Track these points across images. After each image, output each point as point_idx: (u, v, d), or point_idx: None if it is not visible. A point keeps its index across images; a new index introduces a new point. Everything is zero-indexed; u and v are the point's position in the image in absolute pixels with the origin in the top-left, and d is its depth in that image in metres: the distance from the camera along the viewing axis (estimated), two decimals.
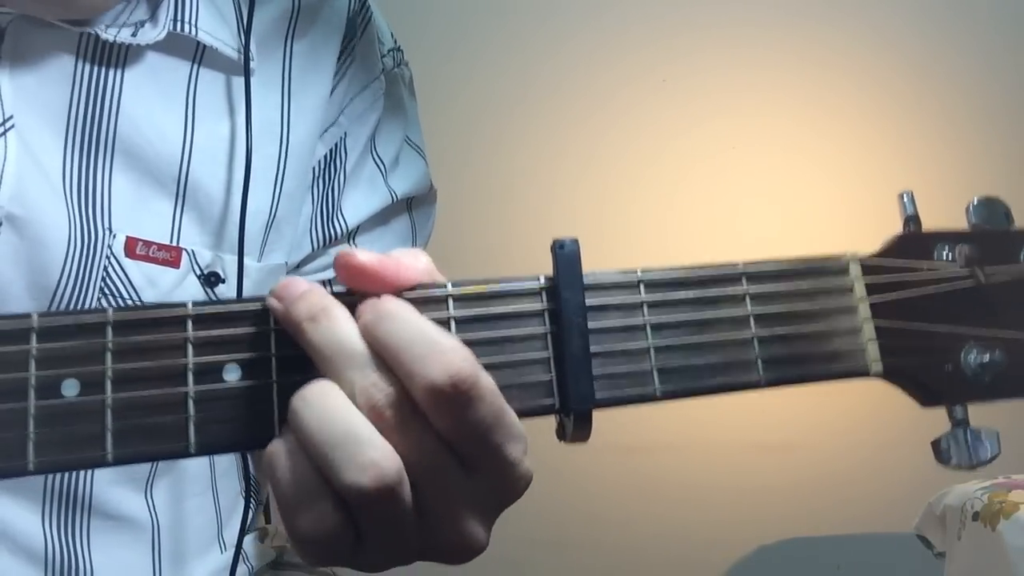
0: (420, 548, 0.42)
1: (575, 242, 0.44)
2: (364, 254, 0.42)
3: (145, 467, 0.67)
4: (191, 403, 0.41)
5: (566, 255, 0.44)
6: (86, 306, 0.62)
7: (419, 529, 0.41)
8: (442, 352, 0.39)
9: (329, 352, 0.40)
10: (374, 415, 0.39)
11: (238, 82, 0.68)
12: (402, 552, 0.42)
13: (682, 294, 0.46)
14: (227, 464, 0.75)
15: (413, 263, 0.43)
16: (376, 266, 0.42)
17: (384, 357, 0.40)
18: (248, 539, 0.75)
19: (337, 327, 0.41)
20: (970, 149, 1.85)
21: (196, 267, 0.66)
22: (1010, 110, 1.86)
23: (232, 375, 0.41)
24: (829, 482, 1.83)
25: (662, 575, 1.83)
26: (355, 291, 0.43)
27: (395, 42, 0.80)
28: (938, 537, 1.38)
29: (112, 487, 0.66)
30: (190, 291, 0.66)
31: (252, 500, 0.75)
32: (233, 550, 0.73)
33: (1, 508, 0.62)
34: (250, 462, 0.77)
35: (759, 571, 1.85)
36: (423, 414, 0.40)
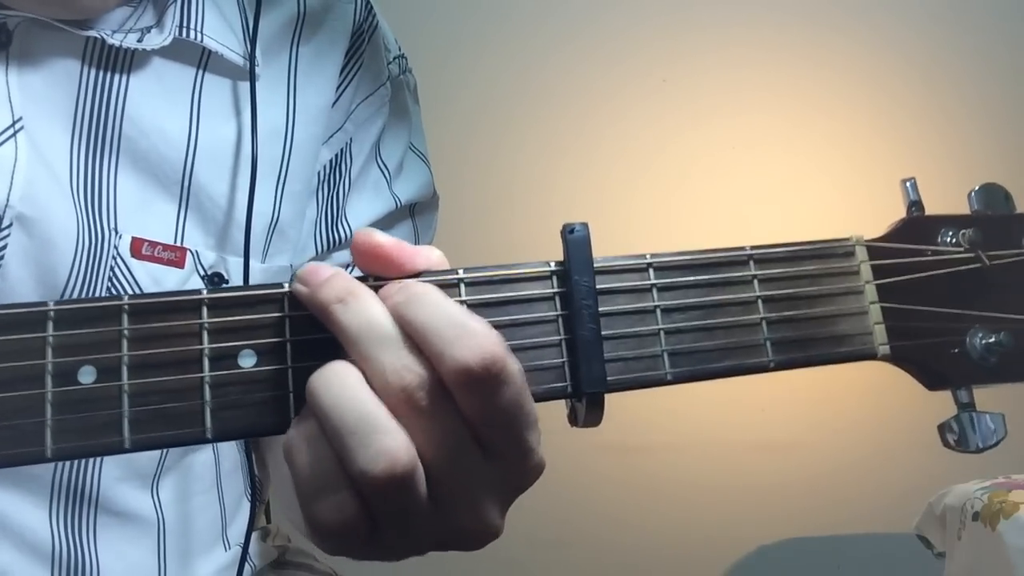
0: (436, 536, 0.42)
1: (585, 226, 0.44)
2: (383, 235, 0.43)
3: (152, 464, 0.68)
4: (207, 388, 0.41)
5: (576, 239, 0.44)
6: None
7: (435, 516, 0.41)
8: (473, 335, 0.39)
9: (359, 333, 0.40)
10: (405, 396, 0.39)
11: (243, 87, 0.68)
12: (418, 540, 0.42)
13: (691, 278, 0.46)
14: (232, 463, 0.75)
15: (428, 253, 0.44)
16: (394, 248, 0.43)
17: (415, 339, 0.40)
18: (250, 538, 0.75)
19: (367, 308, 0.41)
20: (969, 145, 1.85)
21: (200, 267, 0.66)
22: (1008, 108, 1.87)
23: (248, 361, 0.42)
24: (829, 482, 1.83)
25: (662, 575, 1.83)
26: (368, 273, 0.43)
27: (400, 49, 0.81)
28: (938, 537, 1.37)
29: (119, 484, 0.66)
30: None
31: (256, 499, 0.75)
32: (237, 548, 0.73)
33: (8, 503, 0.62)
34: (254, 461, 0.77)
35: (759, 571, 1.85)
36: (451, 397, 0.40)
